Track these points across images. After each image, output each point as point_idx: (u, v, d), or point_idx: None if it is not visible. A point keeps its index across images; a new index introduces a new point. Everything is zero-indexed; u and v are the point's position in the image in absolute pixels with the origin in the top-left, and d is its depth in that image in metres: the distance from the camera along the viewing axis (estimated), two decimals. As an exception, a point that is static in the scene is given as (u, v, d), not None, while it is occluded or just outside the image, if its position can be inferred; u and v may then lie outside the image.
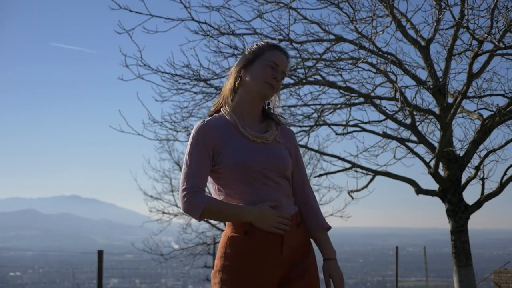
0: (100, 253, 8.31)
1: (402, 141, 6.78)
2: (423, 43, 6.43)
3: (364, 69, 6.55)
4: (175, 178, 10.74)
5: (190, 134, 7.14)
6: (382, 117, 6.80)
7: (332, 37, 6.38)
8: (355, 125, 6.87)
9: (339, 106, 6.80)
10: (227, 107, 2.49)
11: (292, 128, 6.94)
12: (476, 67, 6.03)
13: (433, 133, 7.00)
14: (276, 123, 2.55)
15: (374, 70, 6.22)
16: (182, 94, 6.78)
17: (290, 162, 2.49)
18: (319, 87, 6.63)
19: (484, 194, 6.45)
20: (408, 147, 6.71)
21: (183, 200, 2.36)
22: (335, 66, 6.55)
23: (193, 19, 6.28)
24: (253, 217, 2.34)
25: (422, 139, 6.59)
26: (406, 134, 6.98)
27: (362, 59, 5.96)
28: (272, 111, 2.58)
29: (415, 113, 6.56)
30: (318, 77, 6.55)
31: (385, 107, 6.78)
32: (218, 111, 2.55)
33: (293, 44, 6.39)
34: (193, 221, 9.92)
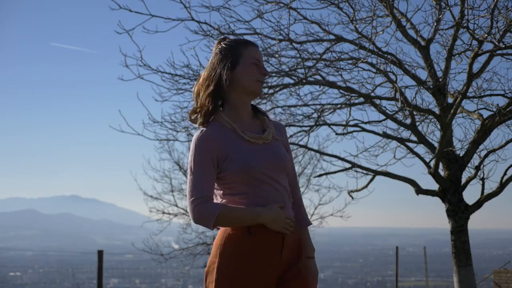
0: (100, 253, 8.31)
1: (402, 141, 6.78)
2: (423, 43, 6.43)
3: (364, 69, 6.56)
4: (175, 178, 10.75)
5: (190, 134, 7.19)
6: (382, 117, 6.80)
7: (332, 37, 6.38)
8: (355, 125, 6.87)
9: (339, 106, 6.80)
10: (221, 115, 2.43)
11: (292, 128, 6.94)
12: (476, 67, 6.04)
13: (433, 133, 7.01)
14: (267, 117, 2.55)
15: (374, 70, 6.22)
16: (182, 94, 6.79)
17: (287, 159, 2.51)
18: (319, 87, 6.63)
19: (484, 194, 6.45)
20: (408, 147, 6.71)
21: (194, 211, 2.33)
22: (335, 66, 6.55)
23: (193, 19, 6.28)
24: (267, 219, 2.34)
25: (422, 139, 6.59)
26: (406, 134, 6.99)
27: (362, 59, 5.96)
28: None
29: (415, 113, 6.56)
30: (318, 77, 6.55)
31: (385, 107, 6.78)
32: (206, 120, 2.44)
33: (293, 44, 6.39)
34: (193, 221, 9.91)
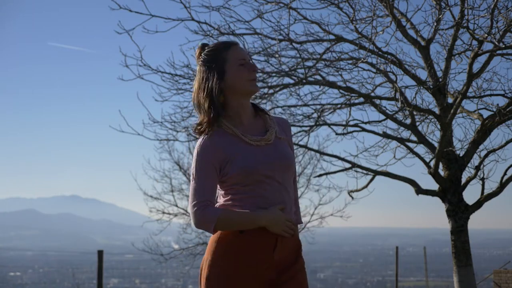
0: (100, 253, 8.31)
1: (402, 141, 6.78)
2: (423, 43, 6.43)
3: (364, 69, 6.56)
4: (175, 178, 10.76)
5: (190, 134, 7.18)
6: (382, 117, 6.80)
7: (332, 37, 6.38)
8: (355, 125, 6.87)
9: (339, 106, 6.80)
10: (222, 120, 2.44)
11: (292, 128, 6.94)
12: (476, 67, 6.04)
13: (433, 133, 7.01)
14: (268, 115, 2.55)
15: (374, 70, 6.22)
16: (182, 94, 6.79)
17: (292, 157, 2.52)
18: (319, 87, 6.63)
19: (484, 194, 6.45)
20: (408, 147, 6.71)
21: (194, 215, 2.38)
22: (335, 66, 6.56)
23: (193, 19, 6.29)
24: (267, 222, 2.36)
25: (422, 139, 6.59)
26: (406, 134, 6.99)
27: (362, 59, 5.96)
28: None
29: (415, 113, 6.56)
30: (318, 77, 6.55)
31: (385, 107, 6.78)
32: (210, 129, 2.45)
33: (293, 44, 6.39)
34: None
